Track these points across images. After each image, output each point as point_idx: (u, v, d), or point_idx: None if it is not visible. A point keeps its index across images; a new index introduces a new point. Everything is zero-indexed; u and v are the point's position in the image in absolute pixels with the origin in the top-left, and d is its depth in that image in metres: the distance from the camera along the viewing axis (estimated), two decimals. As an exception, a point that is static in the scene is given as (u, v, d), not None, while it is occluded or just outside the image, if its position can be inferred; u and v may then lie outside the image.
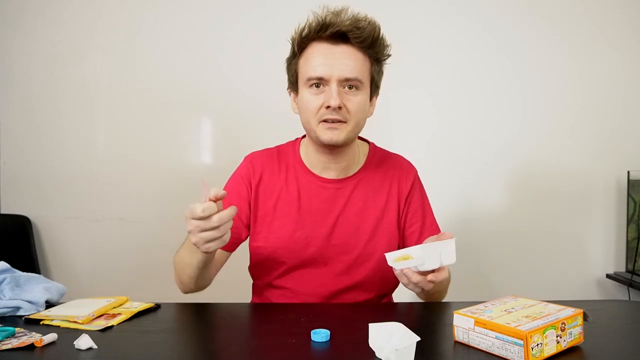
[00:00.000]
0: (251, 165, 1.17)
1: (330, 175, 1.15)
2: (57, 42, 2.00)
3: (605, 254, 2.05)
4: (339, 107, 1.02)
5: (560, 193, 2.03)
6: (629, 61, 2.01)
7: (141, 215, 2.02)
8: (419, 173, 1.23)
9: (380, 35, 1.06)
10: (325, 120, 1.04)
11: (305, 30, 1.05)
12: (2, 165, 2.03)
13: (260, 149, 1.23)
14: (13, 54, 2.01)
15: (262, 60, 1.96)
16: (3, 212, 2.02)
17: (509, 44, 2.00)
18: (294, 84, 1.12)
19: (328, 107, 1.02)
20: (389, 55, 1.10)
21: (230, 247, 1.16)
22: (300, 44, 1.06)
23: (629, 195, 1.97)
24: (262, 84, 1.96)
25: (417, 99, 2.01)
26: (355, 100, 1.04)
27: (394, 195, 1.16)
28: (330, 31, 1.02)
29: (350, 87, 1.04)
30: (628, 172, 1.97)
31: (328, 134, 1.05)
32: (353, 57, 1.03)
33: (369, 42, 1.04)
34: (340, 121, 1.04)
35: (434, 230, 1.20)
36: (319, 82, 1.04)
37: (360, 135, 1.21)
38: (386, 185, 1.17)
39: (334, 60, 1.02)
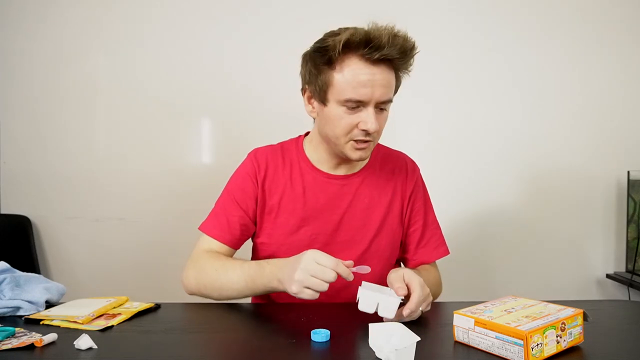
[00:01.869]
0: (256, 160, 1.16)
1: (337, 172, 1.15)
2: (57, 43, 2.00)
3: (605, 254, 2.05)
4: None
5: (560, 193, 2.03)
6: (629, 61, 2.01)
7: (141, 215, 2.02)
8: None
9: (415, 56, 1.02)
10: (355, 140, 1.03)
11: (347, 43, 0.97)
12: (2, 165, 2.03)
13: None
14: (13, 54, 2.01)
15: (262, 61, 1.97)
16: (3, 212, 2.02)
17: (509, 44, 2.00)
18: (321, 94, 1.03)
19: (363, 129, 1.01)
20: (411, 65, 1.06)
21: (238, 244, 1.16)
22: (340, 54, 0.98)
23: (629, 195, 1.97)
24: (263, 84, 1.96)
25: (417, 100, 2.01)
26: (384, 117, 1.05)
27: (399, 193, 1.17)
28: (377, 56, 0.96)
29: (382, 108, 1.03)
30: (628, 172, 1.97)
31: (358, 153, 1.05)
32: (390, 79, 1.01)
33: (407, 65, 1.02)
34: (371, 140, 1.04)
35: (435, 228, 1.21)
36: (358, 105, 1.00)
37: None
38: (391, 184, 1.17)
39: (374, 84, 0.98)
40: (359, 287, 0.90)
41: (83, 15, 1.99)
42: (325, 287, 0.88)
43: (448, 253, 1.21)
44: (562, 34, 2.00)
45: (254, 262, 1.05)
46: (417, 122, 2.01)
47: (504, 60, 2.00)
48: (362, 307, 0.88)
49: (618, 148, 2.02)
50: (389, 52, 0.96)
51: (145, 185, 2.01)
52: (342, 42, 0.97)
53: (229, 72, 1.99)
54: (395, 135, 1.97)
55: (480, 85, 2.01)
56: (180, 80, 1.99)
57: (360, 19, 1.95)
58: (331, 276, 0.88)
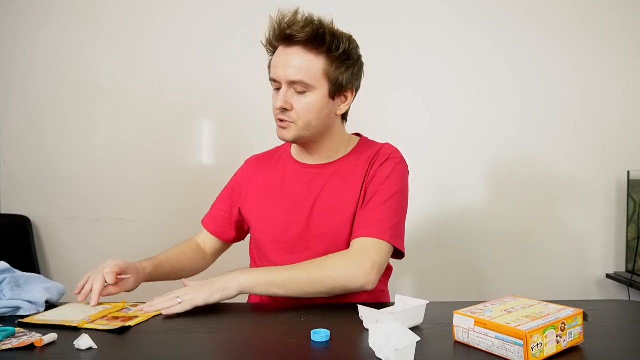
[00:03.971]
0: (247, 166, 1.29)
1: (313, 162, 1.19)
2: (57, 43, 2.00)
3: (605, 254, 2.05)
4: (285, 109, 1.08)
5: (560, 193, 2.03)
6: (629, 61, 2.01)
7: (141, 215, 2.02)
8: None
9: (337, 45, 1.06)
10: (278, 119, 1.11)
11: (268, 35, 1.10)
12: (2, 165, 2.03)
13: (260, 150, 1.31)
14: (13, 54, 2.01)
15: (263, 61, 1.96)
16: (3, 212, 2.02)
17: (508, 44, 2.00)
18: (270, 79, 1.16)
19: (276, 107, 1.09)
20: (346, 51, 1.08)
21: (221, 235, 1.29)
22: (268, 47, 1.12)
23: (629, 195, 1.97)
24: (263, 84, 1.94)
25: (416, 98, 2.01)
26: (303, 101, 1.08)
27: (368, 177, 1.13)
28: (280, 34, 1.07)
29: (299, 89, 1.07)
30: (628, 172, 1.97)
31: (280, 132, 1.12)
32: (301, 59, 1.06)
33: (314, 41, 1.05)
34: (289, 121, 1.09)
35: (386, 212, 1.08)
36: (277, 84, 1.09)
37: (357, 132, 1.25)
38: (363, 168, 1.15)
39: (284, 63, 1.07)
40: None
41: (83, 15, 1.99)
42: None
43: (387, 240, 1.04)
44: (562, 34, 2.00)
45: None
46: (415, 121, 2.01)
47: (504, 60, 2.00)
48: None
49: (618, 148, 2.02)
50: (289, 32, 1.04)
51: (145, 185, 2.01)
52: (267, 37, 1.10)
53: (229, 72, 1.99)
54: (394, 134, 1.98)
55: (480, 85, 2.01)
56: (181, 80, 1.99)
57: (361, 19, 1.96)
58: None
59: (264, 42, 1.12)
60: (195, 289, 1.01)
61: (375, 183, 1.11)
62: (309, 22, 1.05)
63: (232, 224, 1.27)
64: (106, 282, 1.04)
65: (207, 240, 1.30)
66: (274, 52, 1.11)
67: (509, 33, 2.00)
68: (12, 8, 2.00)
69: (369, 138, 1.26)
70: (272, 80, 1.11)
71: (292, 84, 1.07)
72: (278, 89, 1.09)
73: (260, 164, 1.26)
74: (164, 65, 2.00)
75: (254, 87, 1.97)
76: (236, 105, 1.98)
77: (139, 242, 2.01)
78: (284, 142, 1.26)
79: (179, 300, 0.99)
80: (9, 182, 2.03)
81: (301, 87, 1.07)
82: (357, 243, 1.06)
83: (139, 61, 2.00)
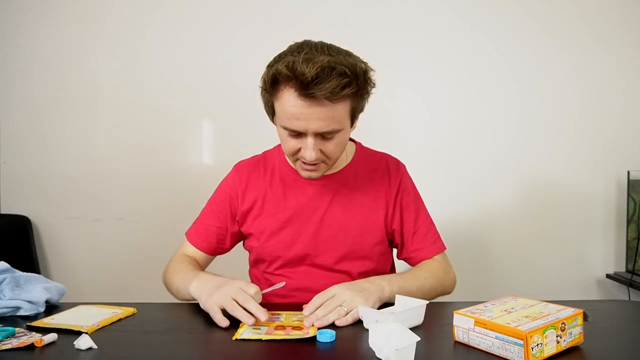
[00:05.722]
0: (237, 174, 1.20)
1: None
2: (58, 43, 2.00)
3: (605, 254, 2.05)
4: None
5: (560, 193, 2.03)
6: (629, 61, 2.01)
7: (141, 215, 2.02)
8: (416, 172, 1.24)
9: (361, 84, 0.97)
10: (303, 161, 1.04)
11: (276, 78, 0.96)
12: (2, 165, 2.03)
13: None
14: (13, 54, 2.01)
15: (264, 62, 1.95)
16: (3, 212, 2.02)
17: (508, 44, 2.00)
18: (269, 114, 1.07)
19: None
20: (367, 82, 1.00)
21: (214, 251, 1.22)
22: (272, 90, 0.99)
23: (629, 195, 1.97)
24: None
25: (415, 98, 2.01)
26: (333, 143, 1.01)
27: (382, 192, 1.16)
28: (305, 93, 0.92)
29: (328, 136, 1.00)
30: (628, 172, 1.97)
31: (306, 173, 1.07)
32: (331, 111, 0.95)
33: (348, 96, 0.96)
34: (318, 163, 1.04)
35: (429, 224, 1.20)
36: (294, 132, 0.99)
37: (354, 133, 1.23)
38: (374, 182, 1.17)
39: (309, 117, 0.95)
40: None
41: (84, 15, 1.99)
42: (238, 311, 0.90)
43: (445, 248, 1.20)
44: (562, 34, 2.00)
45: (193, 272, 1.09)
46: (415, 121, 2.01)
47: (504, 60, 2.00)
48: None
49: (618, 148, 2.02)
50: (315, 91, 0.91)
51: (145, 185, 2.01)
52: (270, 79, 0.97)
53: (230, 73, 1.99)
54: (394, 133, 1.99)
55: (480, 85, 2.01)
56: (181, 80, 1.99)
57: (361, 19, 1.95)
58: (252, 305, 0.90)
59: (265, 85, 0.99)
60: (352, 296, 0.93)
61: (408, 200, 1.17)
62: (344, 82, 0.91)
63: (228, 237, 1.20)
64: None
65: (198, 256, 1.21)
66: (274, 91, 0.98)
67: (509, 33, 2.00)
68: (12, 8, 2.00)
69: (367, 138, 1.26)
70: (290, 130, 0.98)
71: (320, 134, 0.98)
72: (294, 136, 1.00)
73: (253, 173, 1.19)
74: (164, 65, 2.00)
75: (254, 87, 1.97)
76: (236, 105, 1.98)
77: (139, 242, 2.01)
78: (271, 148, 1.25)
79: (345, 309, 0.91)
80: (9, 182, 2.03)
81: (330, 135, 0.99)
82: (434, 261, 1.16)
83: (139, 61, 2.00)
